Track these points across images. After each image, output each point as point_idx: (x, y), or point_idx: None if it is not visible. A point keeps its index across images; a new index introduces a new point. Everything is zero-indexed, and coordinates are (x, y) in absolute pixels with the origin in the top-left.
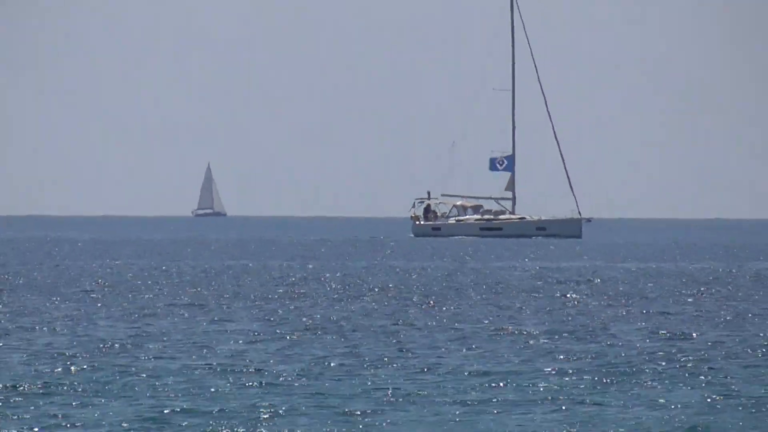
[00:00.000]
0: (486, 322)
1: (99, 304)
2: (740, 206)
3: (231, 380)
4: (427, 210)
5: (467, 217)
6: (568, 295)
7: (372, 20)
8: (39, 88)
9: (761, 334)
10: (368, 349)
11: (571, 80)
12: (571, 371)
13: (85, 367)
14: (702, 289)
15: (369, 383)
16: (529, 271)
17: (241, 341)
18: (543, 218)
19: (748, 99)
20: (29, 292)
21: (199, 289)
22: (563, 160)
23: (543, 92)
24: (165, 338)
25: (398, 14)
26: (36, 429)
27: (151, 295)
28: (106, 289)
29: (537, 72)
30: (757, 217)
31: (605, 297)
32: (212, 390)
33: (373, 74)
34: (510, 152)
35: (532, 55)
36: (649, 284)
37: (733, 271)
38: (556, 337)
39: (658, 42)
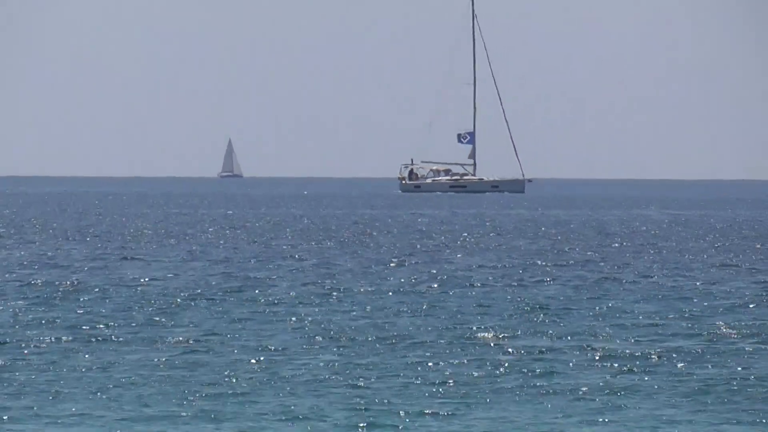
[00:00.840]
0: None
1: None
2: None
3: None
4: (411, 172)
5: (440, 178)
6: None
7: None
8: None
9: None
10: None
11: (522, 70)
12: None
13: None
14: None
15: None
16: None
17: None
18: (496, 179)
19: (685, 65)
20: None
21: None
22: (511, 135)
23: (496, 85)
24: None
25: (394, 27)
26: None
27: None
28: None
29: (491, 70)
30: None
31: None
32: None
33: (370, 70)
34: (471, 130)
35: (488, 58)
36: (529, 225)
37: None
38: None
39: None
